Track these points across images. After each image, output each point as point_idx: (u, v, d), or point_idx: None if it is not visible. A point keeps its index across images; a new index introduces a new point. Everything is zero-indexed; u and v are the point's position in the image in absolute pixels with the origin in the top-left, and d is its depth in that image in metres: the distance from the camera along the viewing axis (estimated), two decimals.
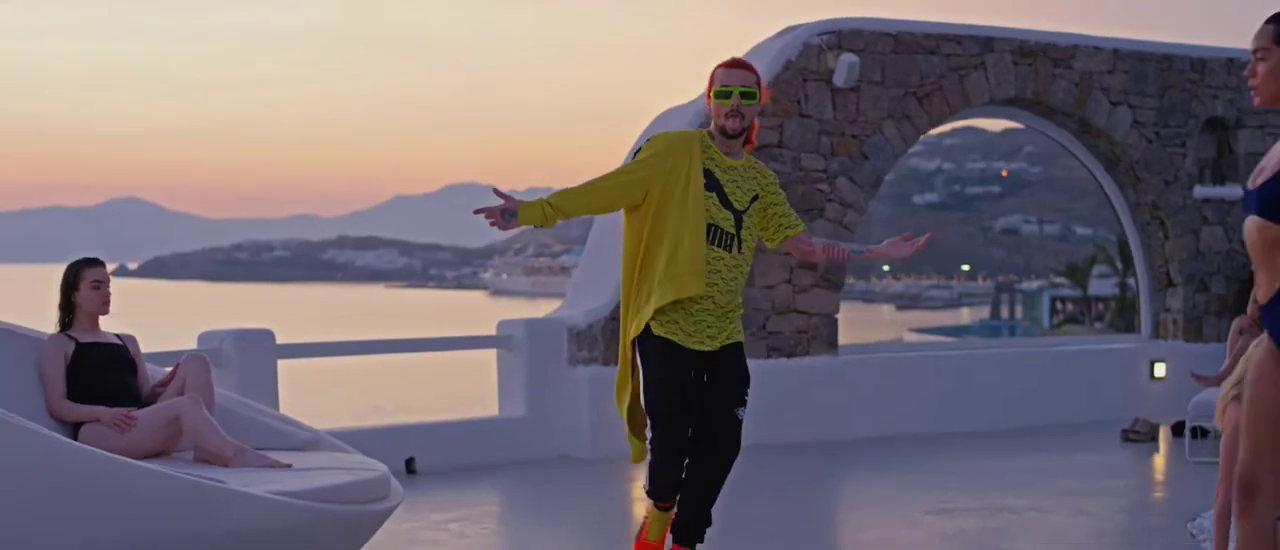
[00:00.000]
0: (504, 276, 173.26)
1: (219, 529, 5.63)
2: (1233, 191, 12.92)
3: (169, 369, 6.89)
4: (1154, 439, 11.05)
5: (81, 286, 6.83)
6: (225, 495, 5.64)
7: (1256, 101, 4.47)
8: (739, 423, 5.90)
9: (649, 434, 5.91)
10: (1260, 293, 4.30)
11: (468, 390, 15.85)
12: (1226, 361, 8.80)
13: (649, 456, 5.95)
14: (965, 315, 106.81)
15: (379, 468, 6.54)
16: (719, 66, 5.98)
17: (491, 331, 10.66)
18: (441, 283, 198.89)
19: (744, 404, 5.94)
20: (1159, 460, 10.30)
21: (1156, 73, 12.62)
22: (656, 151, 5.89)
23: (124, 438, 6.41)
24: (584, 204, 5.90)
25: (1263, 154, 12.90)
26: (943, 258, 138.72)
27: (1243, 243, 12.76)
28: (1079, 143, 12.77)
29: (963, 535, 7.42)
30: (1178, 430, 11.15)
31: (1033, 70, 12.05)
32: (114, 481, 5.54)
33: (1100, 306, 75.27)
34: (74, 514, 5.48)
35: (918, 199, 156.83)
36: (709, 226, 5.84)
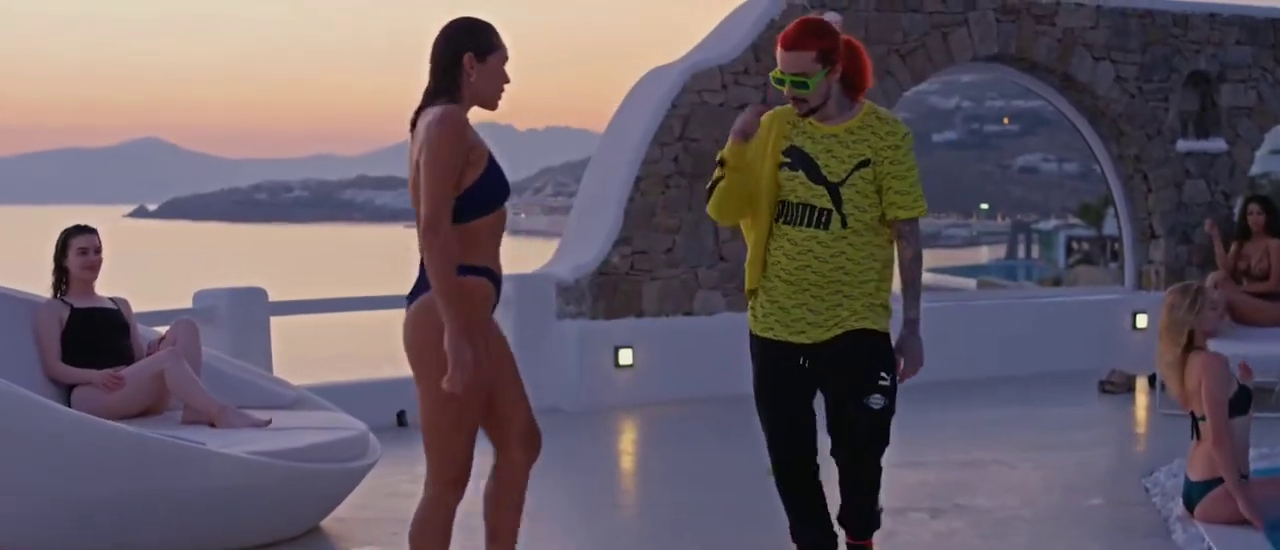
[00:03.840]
0: (522, 216, 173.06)
1: (196, 486, 5.99)
2: (1215, 145, 13.12)
3: (162, 332, 7.24)
4: (1130, 390, 11.26)
5: (70, 253, 7.17)
6: (203, 456, 5.98)
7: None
8: (873, 411, 5.36)
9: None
10: None
11: None
12: None
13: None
14: (984, 254, 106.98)
15: (358, 426, 6.88)
16: (778, 41, 5.29)
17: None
18: None
19: (879, 391, 5.34)
20: (1131, 412, 10.55)
21: (1139, 28, 12.79)
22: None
23: (115, 396, 6.76)
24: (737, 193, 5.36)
25: (1246, 108, 13.15)
26: (961, 196, 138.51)
27: (1225, 194, 13.02)
28: (1062, 97, 12.99)
29: (924, 487, 7.71)
30: (1155, 381, 11.37)
31: (1016, 27, 12.24)
32: (98, 441, 5.90)
33: (1115, 246, 75.11)
34: (59, 470, 5.85)
35: (936, 137, 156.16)
36: (798, 206, 5.24)
